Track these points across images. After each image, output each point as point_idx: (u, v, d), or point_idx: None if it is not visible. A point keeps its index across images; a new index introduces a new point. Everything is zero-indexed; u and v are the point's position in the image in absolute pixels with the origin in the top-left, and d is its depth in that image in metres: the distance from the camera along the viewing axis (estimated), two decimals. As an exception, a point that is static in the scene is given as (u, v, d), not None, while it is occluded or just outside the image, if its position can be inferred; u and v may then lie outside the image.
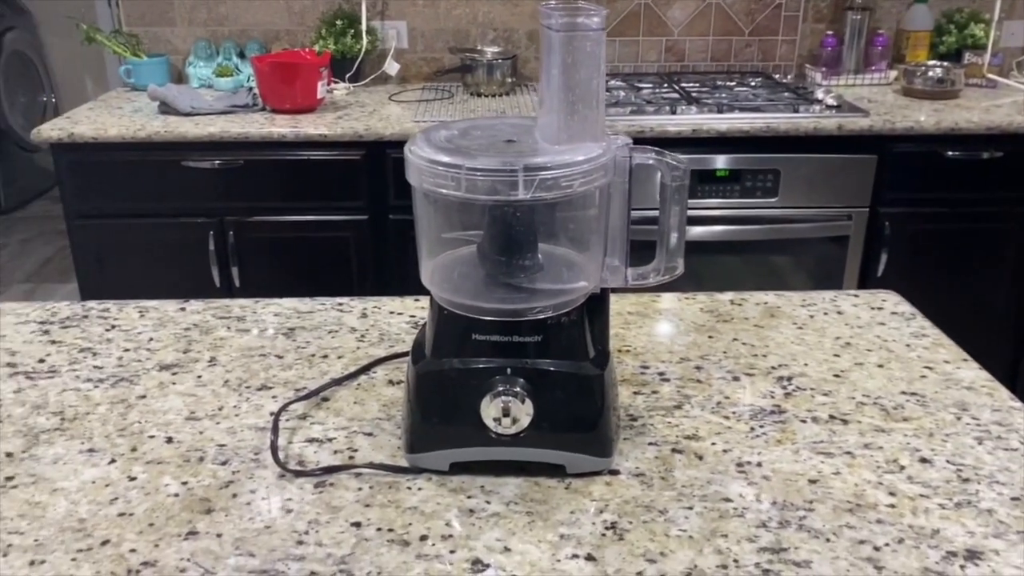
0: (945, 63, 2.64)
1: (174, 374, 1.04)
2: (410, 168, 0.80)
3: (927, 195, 2.38)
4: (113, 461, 0.87)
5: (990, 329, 2.49)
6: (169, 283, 2.38)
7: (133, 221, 2.35)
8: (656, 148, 0.82)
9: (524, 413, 0.81)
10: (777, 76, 2.79)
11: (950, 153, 2.33)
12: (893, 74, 2.76)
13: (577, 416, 0.83)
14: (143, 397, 0.99)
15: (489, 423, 0.81)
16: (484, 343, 0.82)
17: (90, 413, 0.96)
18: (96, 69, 4.36)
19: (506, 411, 0.80)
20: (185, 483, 0.84)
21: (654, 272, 0.87)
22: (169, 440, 0.91)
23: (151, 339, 1.12)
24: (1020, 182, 2.36)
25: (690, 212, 2.44)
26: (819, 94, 2.48)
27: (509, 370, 0.81)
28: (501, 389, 0.80)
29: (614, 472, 0.85)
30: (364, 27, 2.69)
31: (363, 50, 2.69)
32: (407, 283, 2.39)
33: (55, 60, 4.80)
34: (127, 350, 1.09)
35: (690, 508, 0.80)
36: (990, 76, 2.72)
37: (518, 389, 0.81)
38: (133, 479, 0.84)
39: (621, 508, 0.80)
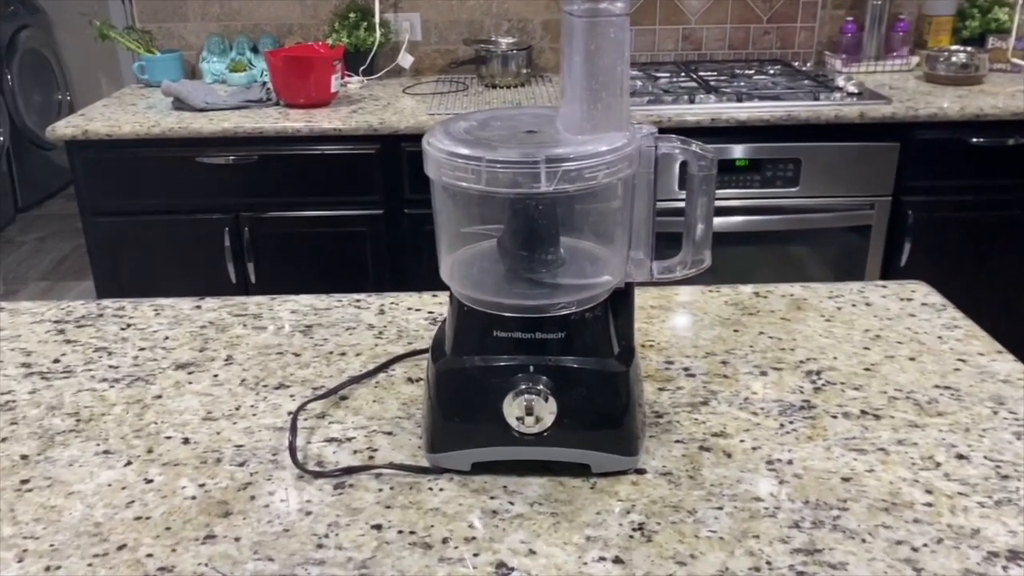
0: (968, 48, 2.59)
1: (190, 373, 1.02)
2: (428, 161, 0.78)
3: (951, 183, 2.33)
4: (129, 463, 0.86)
5: (1016, 318, 2.45)
6: (185, 279, 2.38)
7: (148, 218, 2.34)
8: (682, 137, 0.79)
9: (547, 412, 0.78)
10: (796, 64, 2.75)
11: (974, 140, 2.29)
12: (915, 60, 2.71)
13: (602, 414, 0.81)
14: (159, 397, 0.97)
15: (512, 422, 0.79)
16: (506, 340, 0.80)
17: (106, 414, 0.94)
18: (110, 66, 4.35)
19: (529, 410, 0.78)
20: (202, 485, 0.82)
21: (680, 265, 0.84)
22: (186, 441, 0.89)
23: (167, 338, 1.10)
24: (1047, 168, 2.32)
25: (710, 203, 2.40)
26: (839, 81, 2.44)
27: (532, 368, 0.79)
28: (524, 387, 0.78)
29: (640, 471, 0.83)
30: (377, 20, 2.67)
31: (376, 43, 2.67)
32: (423, 277, 2.38)
33: (69, 58, 4.81)
34: (142, 349, 1.08)
35: (720, 508, 0.78)
36: (1015, 61, 2.67)
37: (541, 387, 0.78)
38: (150, 481, 0.83)
39: (648, 509, 0.78)
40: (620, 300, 0.84)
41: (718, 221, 2.33)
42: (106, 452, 0.87)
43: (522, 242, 0.80)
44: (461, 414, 0.82)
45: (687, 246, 0.84)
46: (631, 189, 0.80)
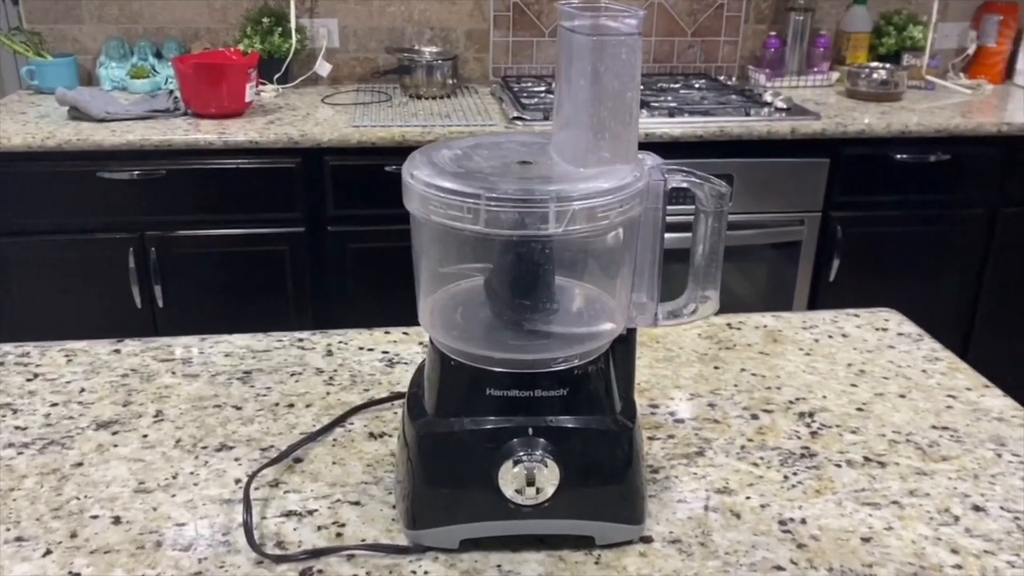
0: (887, 65, 2.63)
1: (114, 433, 0.88)
2: (411, 195, 0.67)
3: (878, 198, 2.35)
4: (48, 552, 0.72)
5: (942, 331, 2.48)
6: (86, 305, 2.18)
7: (44, 238, 2.13)
8: (695, 171, 0.71)
9: (549, 480, 0.69)
10: (721, 78, 2.74)
11: (899, 156, 2.31)
12: (835, 75, 2.73)
13: (606, 479, 0.72)
14: (79, 464, 0.83)
15: (509, 493, 0.69)
16: (499, 399, 0.70)
17: (15, 489, 0.80)
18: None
19: (530, 480, 0.68)
20: (141, 578, 0.69)
21: (686, 308, 0.76)
22: (116, 520, 0.76)
23: (83, 390, 0.96)
24: (967, 184, 2.36)
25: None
26: (767, 96, 2.43)
27: (531, 430, 0.69)
28: (522, 454, 0.69)
29: (646, 539, 0.75)
30: (293, 25, 2.53)
31: (292, 50, 2.52)
32: (348, 298, 2.25)
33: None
34: (55, 405, 0.93)
35: (740, 581, 0.70)
36: (928, 78, 2.72)
37: (539, 452, 0.69)
38: (76, 576, 0.70)
39: (664, 586, 0.70)
40: (621, 348, 0.75)
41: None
42: (18, 539, 0.73)
43: (521, 289, 0.71)
44: (448, 484, 0.72)
45: (693, 287, 0.76)
46: (637, 227, 0.72)
